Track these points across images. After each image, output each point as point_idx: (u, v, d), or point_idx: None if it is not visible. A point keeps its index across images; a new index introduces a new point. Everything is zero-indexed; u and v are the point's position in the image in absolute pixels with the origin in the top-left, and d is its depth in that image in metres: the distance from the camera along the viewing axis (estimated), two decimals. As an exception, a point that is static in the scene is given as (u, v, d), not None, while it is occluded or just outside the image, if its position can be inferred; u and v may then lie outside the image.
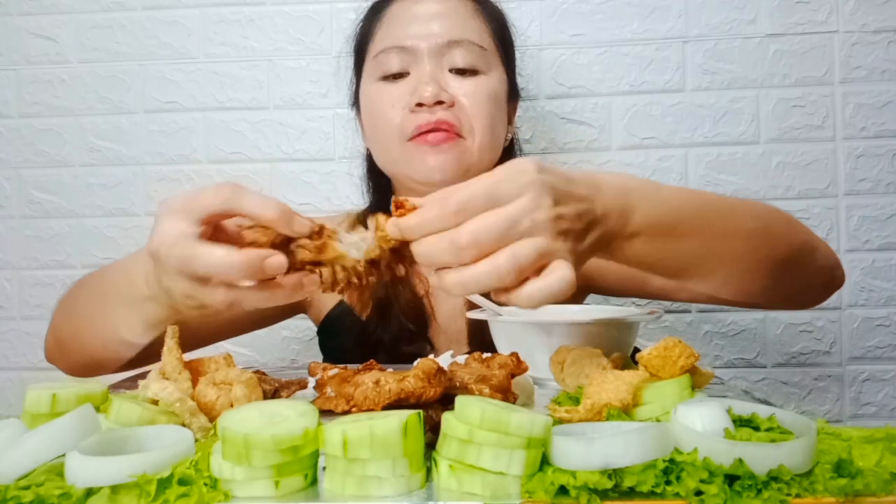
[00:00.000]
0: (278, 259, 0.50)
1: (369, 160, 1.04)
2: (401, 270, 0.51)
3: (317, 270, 0.51)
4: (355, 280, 0.50)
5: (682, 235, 0.61)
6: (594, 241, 0.53)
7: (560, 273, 0.47)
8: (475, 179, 0.49)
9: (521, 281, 0.47)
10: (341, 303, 1.00)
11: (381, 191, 1.04)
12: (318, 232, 0.51)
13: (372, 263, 0.50)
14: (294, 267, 0.51)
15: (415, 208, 0.48)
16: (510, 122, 1.02)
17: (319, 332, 1.05)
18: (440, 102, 0.89)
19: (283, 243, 0.51)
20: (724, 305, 0.95)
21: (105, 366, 0.81)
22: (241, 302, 0.52)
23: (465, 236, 0.46)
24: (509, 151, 1.03)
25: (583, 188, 0.52)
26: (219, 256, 0.50)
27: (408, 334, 0.94)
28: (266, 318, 1.05)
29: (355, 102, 1.04)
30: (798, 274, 0.78)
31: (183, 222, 0.54)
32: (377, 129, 0.95)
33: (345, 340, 0.98)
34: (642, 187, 0.58)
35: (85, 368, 0.83)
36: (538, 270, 0.47)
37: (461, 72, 0.93)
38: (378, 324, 0.94)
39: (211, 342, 0.97)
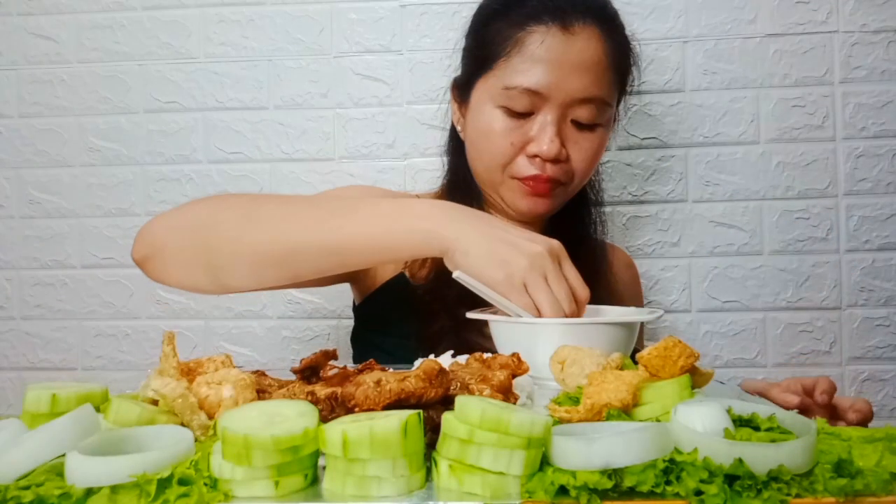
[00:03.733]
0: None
1: (453, 137, 1.05)
2: None
3: None
4: None
5: None
6: None
7: None
8: None
9: None
10: (401, 274, 1.00)
11: (460, 174, 1.03)
12: None
13: None
14: None
15: None
16: None
17: (369, 301, 1.04)
18: (557, 159, 0.92)
19: None
20: None
21: (231, 279, 0.81)
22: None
23: None
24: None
25: None
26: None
27: (471, 296, 0.93)
28: (324, 277, 1.03)
29: (459, 90, 1.02)
30: None
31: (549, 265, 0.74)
32: (485, 154, 0.96)
33: (398, 312, 0.98)
34: None
35: (199, 276, 0.82)
36: None
37: (581, 124, 0.93)
38: (442, 284, 0.92)
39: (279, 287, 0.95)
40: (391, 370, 0.51)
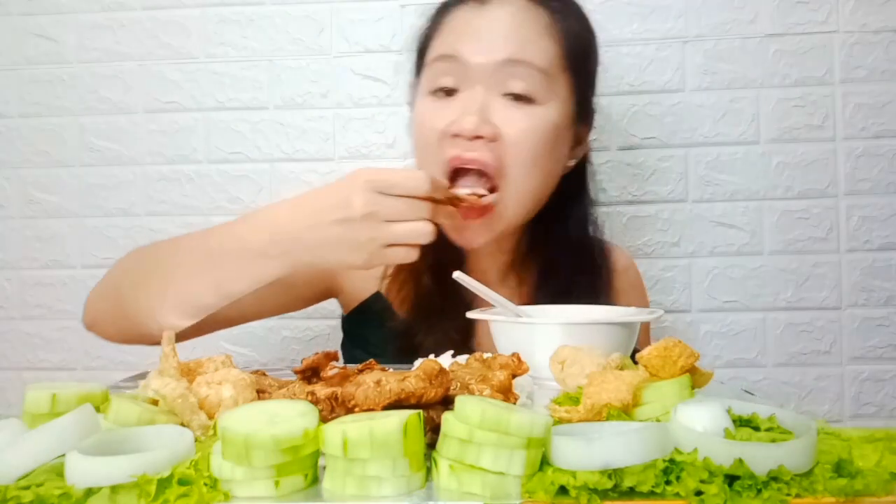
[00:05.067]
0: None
1: None
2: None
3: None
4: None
5: None
6: None
7: None
8: None
9: None
10: (378, 294, 0.98)
11: None
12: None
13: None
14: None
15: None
16: (579, 144, 0.96)
17: (349, 318, 1.03)
18: (480, 136, 0.83)
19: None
20: None
21: (153, 335, 0.83)
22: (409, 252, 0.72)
23: None
24: (580, 172, 0.99)
25: None
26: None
27: (450, 344, 0.88)
28: (300, 299, 1.03)
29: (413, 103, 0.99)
30: None
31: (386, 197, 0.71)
32: (421, 151, 0.90)
33: (378, 332, 0.96)
34: None
35: (130, 336, 0.85)
36: None
37: (517, 97, 0.84)
38: (422, 327, 0.91)
39: (246, 321, 0.98)
40: (391, 370, 0.51)
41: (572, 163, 0.95)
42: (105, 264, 1.37)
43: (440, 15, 0.92)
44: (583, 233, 1.00)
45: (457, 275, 0.76)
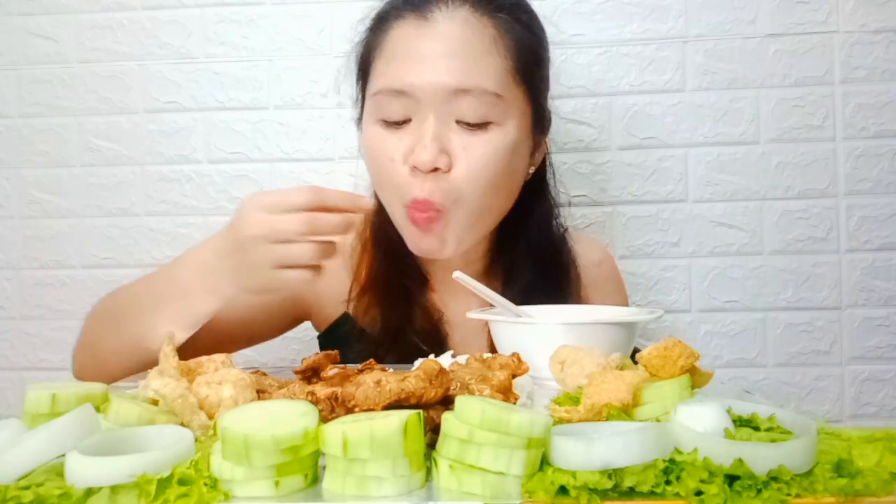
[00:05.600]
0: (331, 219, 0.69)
1: (380, 212, 0.92)
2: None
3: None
4: None
5: None
6: None
7: None
8: None
9: None
10: (346, 315, 0.97)
11: (392, 253, 0.93)
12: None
13: None
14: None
15: None
16: (537, 149, 0.93)
17: (322, 338, 1.03)
18: (436, 168, 0.80)
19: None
20: None
21: (146, 361, 0.83)
22: (308, 277, 0.71)
23: None
24: (539, 174, 0.96)
25: None
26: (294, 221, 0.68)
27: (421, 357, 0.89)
28: (272, 328, 1.02)
29: (360, 120, 0.93)
30: None
31: (269, 215, 0.69)
32: (380, 183, 0.87)
33: (348, 353, 0.96)
34: None
35: (116, 374, 0.84)
36: None
37: (469, 125, 0.81)
38: (390, 347, 0.90)
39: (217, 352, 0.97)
40: (391, 370, 0.51)
41: (532, 170, 0.93)
42: (105, 264, 1.37)
43: (382, 27, 0.86)
44: (545, 233, 0.97)
45: (457, 275, 0.75)
